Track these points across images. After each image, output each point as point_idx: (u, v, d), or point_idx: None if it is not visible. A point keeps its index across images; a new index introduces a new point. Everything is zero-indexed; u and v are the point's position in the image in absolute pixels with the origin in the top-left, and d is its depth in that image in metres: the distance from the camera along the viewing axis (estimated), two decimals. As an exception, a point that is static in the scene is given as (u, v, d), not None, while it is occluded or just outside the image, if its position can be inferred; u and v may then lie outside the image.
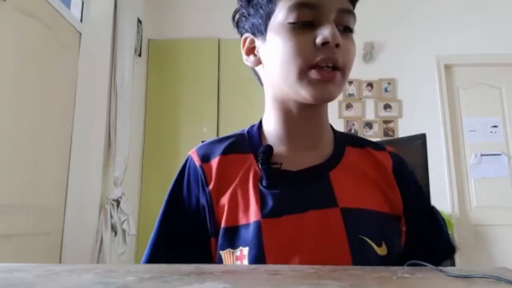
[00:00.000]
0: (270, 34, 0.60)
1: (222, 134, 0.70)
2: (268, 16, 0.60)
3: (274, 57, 0.59)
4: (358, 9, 0.62)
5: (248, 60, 0.66)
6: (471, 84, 3.22)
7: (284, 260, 0.54)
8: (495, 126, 3.12)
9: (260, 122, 0.68)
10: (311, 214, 0.57)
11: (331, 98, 0.59)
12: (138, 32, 2.86)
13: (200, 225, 0.62)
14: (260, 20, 0.62)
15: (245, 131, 0.68)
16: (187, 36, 3.22)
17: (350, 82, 3.18)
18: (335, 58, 0.56)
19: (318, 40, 0.56)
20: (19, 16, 1.89)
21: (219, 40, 3.14)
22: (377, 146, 0.68)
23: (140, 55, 2.95)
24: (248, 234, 0.57)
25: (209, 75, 3.11)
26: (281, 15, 0.58)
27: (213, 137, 0.72)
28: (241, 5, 0.65)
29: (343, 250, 0.55)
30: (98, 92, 2.46)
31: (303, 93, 0.57)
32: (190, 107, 3.07)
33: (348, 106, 3.17)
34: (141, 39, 2.98)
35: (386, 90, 3.18)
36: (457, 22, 3.24)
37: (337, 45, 0.56)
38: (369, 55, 3.18)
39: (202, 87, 3.10)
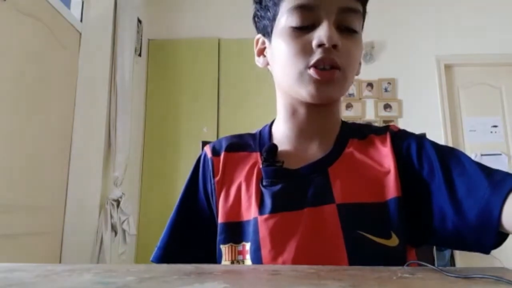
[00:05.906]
0: (274, 36, 0.62)
1: (222, 134, 0.72)
2: (274, 18, 0.62)
3: (277, 60, 0.61)
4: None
5: (258, 61, 0.68)
6: (471, 84, 3.22)
7: (277, 255, 0.55)
8: (495, 126, 3.12)
9: (272, 122, 0.70)
10: (307, 211, 0.57)
11: (330, 98, 0.60)
12: (138, 32, 2.86)
13: (212, 213, 0.65)
14: (267, 22, 0.63)
15: (258, 130, 0.70)
16: (187, 36, 3.22)
17: (350, 82, 3.18)
18: (331, 59, 0.55)
19: (314, 42, 0.56)
20: (19, 16, 1.89)
21: (219, 40, 3.14)
22: (381, 130, 0.65)
23: (140, 55, 2.95)
24: (249, 230, 0.58)
25: (209, 75, 3.11)
26: (283, 18, 0.59)
27: (213, 137, 0.74)
28: (255, 6, 0.67)
29: (338, 246, 0.54)
30: (98, 92, 2.46)
31: (303, 93, 0.58)
32: (190, 107, 3.07)
33: (348, 106, 3.17)
34: (141, 39, 2.98)
35: (386, 90, 3.18)
36: (457, 22, 3.24)
37: (334, 46, 0.55)
38: (369, 55, 3.18)
39: (202, 87, 3.10)
